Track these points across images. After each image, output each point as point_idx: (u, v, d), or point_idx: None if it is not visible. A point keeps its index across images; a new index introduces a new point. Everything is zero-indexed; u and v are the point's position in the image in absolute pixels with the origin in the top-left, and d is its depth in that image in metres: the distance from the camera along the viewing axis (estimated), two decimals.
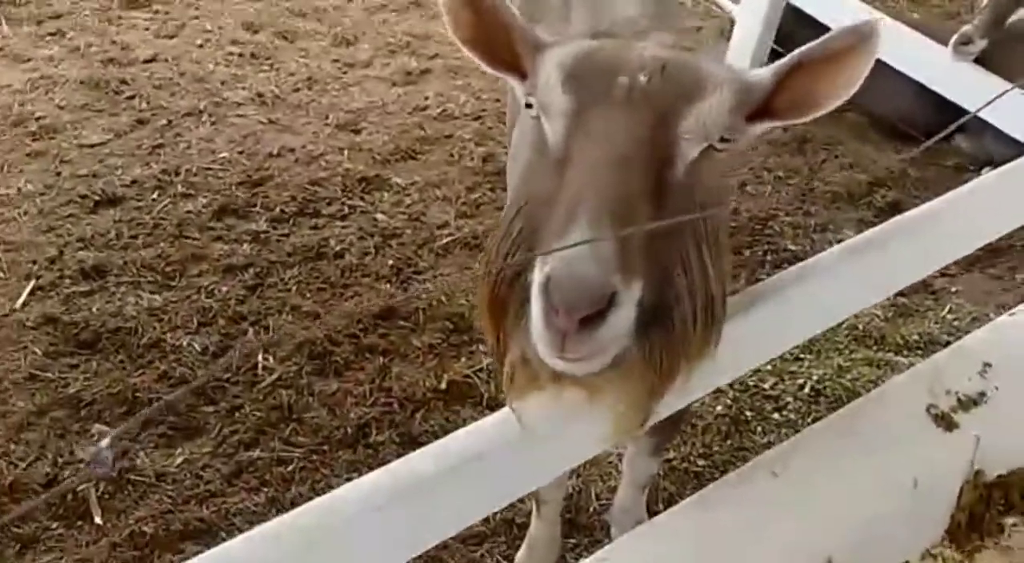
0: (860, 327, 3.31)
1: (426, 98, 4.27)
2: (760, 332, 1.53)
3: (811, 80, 1.33)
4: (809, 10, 4.10)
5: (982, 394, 1.94)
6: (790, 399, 3.05)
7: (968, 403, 1.92)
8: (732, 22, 4.56)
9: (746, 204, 3.84)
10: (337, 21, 4.81)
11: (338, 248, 3.47)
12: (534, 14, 2.57)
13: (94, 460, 0.62)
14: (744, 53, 4.37)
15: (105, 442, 0.64)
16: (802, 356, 3.20)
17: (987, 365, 2.00)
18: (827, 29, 3.89)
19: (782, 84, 1.35)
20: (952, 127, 1.65)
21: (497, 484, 1.28)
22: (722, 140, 1.29)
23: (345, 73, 4.43)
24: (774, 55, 4.43)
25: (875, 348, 3.24)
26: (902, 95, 3.99)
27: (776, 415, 3.01)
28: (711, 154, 1.30)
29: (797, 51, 1.34)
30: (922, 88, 3.86)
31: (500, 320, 1.31)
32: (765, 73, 1.35)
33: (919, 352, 3.21)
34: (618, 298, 1.12)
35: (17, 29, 4.56)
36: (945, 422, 1.88)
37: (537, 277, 1.12)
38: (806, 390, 3.07)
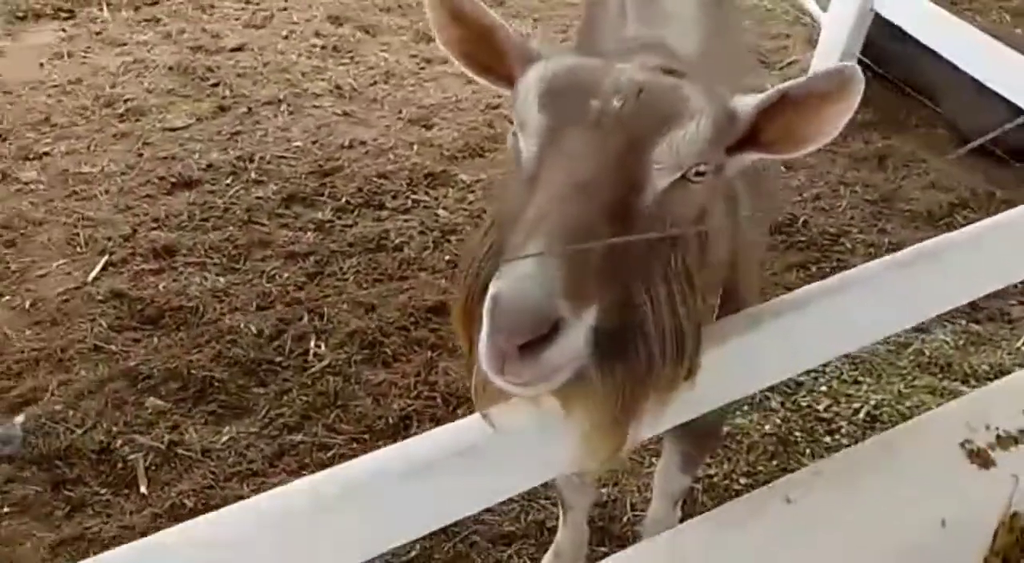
0: (927, 353, 3.18)
1: (499, 96, 4.27)
2: (773, 350, 1.48)
3: (796, 117, 1.29)
4: (898, 21, 3.95)
5: (1023, 432, 1.85)
6: (844, 423, 2.95)
7: (1008, 441, 1.83)
8: (820, 30, 4.43)
9: (817, 218, 3.73)
10: (420, 16, 4.85)
11: (398, 241, 3.52)
12: (594, 23, 2.56)
13: (2, 440, 0.64)
14: (828, 63, 4.24)
15: (19, 419, 0.66)
16: (861, 379, 3.09)
17: None
18: (915, 41, 3.75)
19: (768, 117, 1.31)
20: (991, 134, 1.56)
21: (453, 494, 1.27)
22: (697, 172, 1.26)
23: (423, 68, 4.48)
24: (860, 65, 4.29)
25: (940, 376, 3.10)
26: (993, 113, 3.80)
27: (827, 438, 2.91)
28: (686, 185, 1.26)
29: (781, 86, 1.30)
30: (1014, 107, 3.68)
31: (471, 332, 1.30)
32: (748, 104, 1.31)
33: (987, 383, 3.07)
34: (563, 325, 1.10)
35: (116, 14, 4.75)
36: (980, 459, 1.80)
37: (489, 294, 1.11)
38: (861, 415, 2.96)
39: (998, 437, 1.83)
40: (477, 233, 1.36)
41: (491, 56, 1.38)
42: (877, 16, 4.08)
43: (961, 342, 3.23)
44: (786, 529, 1.66)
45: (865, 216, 3.76)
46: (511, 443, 1.26)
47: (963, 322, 3.29)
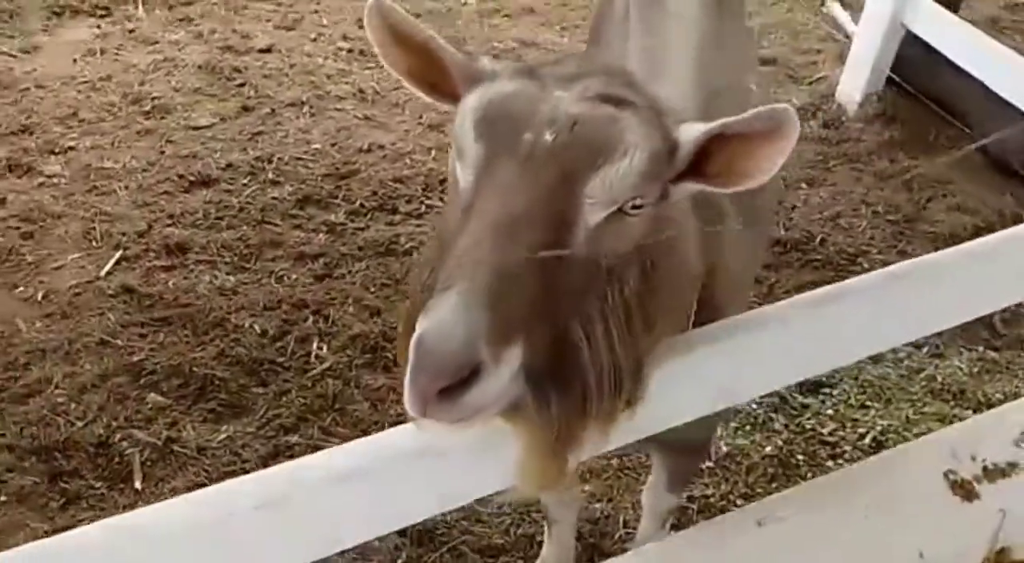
0: (939, 379, 3.09)
1: None
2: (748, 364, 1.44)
3: (737, 152, 1.26)
4: (928, 38, 3.87)
5: (1013, 465, 1.78)
6: (848, 448, 2.88)
7: (995, 473, 1.77)
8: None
9: (836, 237, 3.65)
10: (449, 23, 4.87)
11: (408, 246, 3.51)
12: (601, 27, 2.53)
13: None
14: (857, 80, 4.18)
15: None
16: (869, 404, 3.02)
17: None
18: (946, 59, 3.66)
19: (711, 149, 1.28)
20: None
21: (383, 502, 1.26)
22: (634, 206, 1.23)
23: None
24: (890, 83, 4.21)
25: (952, 403, 3.02)
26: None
27: (830, 463, 2.85)
28: (622, 218, 1.23)
29: (720, 121, 1.27)
30: None
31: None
32: (690, 136, 1.28)
33: None
34: (484, 369, 1.08)
35: (151, 13, 4.82)
36: (964, 491, 1.74)
37: (415, 334, 1.10)
38: (867, 440, 2.89)
39: (985, 469, 1.77)
40: (423, 258, 1.35)
41: (437, 76, 1.35)
42: (908, 33, 3.99)
43: (976, 369, 3.14)
44: (752, 554, 1.61)
45: (886, 237, 3.67)
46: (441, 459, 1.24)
47: (980, 348, 3.20)
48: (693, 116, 1.95)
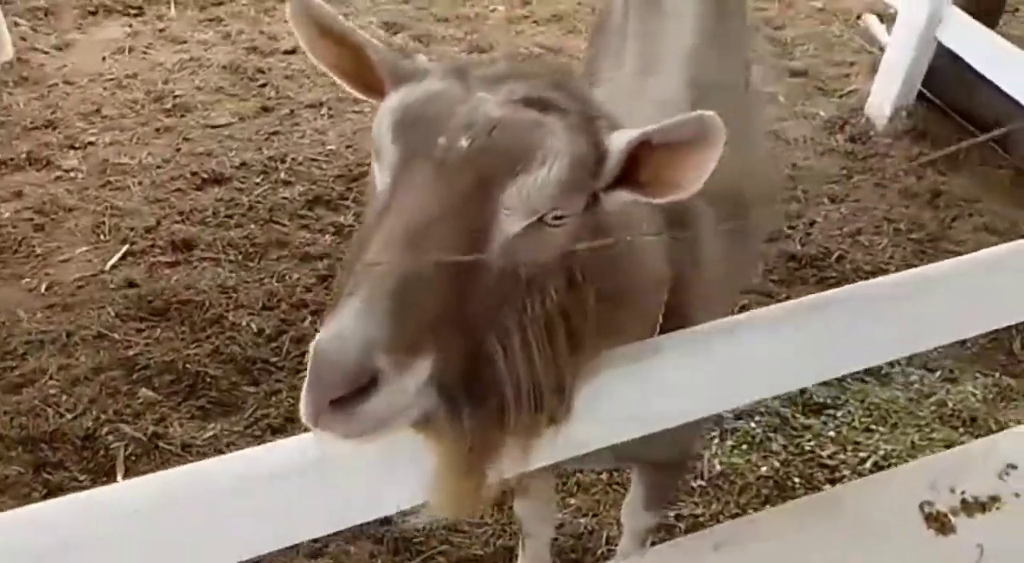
0: (950, 404, 2.96)
1: None
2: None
3: (666, 160, 1.18)
4: (960, 51, 3.73)
5: (995, 499, 1.67)
6: (847, 472, 2.77)
7: (974, 507, 1.66)
8: None
9: (854, 254, 3.53)
10: (476, 28, 4.84)
11: None
12: (603, 26, 2.47)
13: None
14: (887, 94, 4.05)
15: None
16: (874, 427, 2.90)
17: (1011, 467, 1.72)
18: (978, 74, 3.52)
19: (640, 158, 1.20)
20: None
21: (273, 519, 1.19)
22: (556, 217, 1.15)
23: None
24: (921, 98, 4.08)
25: (961, 430, 2.88)
26: None
27: (827, 486, 2.73)
28: (542, 229, 1.15)
29: (644, 129, 1.19)
30: None
31: None
32: (617, 144, 1.20)
33: None
34: (383, 380, 1.03)
35: (182, 12, 4.88)
36: (938, 523, 1.63)
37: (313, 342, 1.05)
38: (867, 465, 2.77)
39: (963, 502, 1.66)
40: (342, 262, 1.29)
41: (367, 73, 1.31)
42: (941, 46, 3.86)
43: (991, 395, 2.99)
44: None
45: (906, 255, 3.54)
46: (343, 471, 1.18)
47: (996, 374, 3.06)
48: (686, 104, 1.89)
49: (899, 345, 1.47)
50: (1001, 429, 2.87)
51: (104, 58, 4.54)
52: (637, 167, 1.21)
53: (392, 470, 1.20)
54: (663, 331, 1.46)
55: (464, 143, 1.14)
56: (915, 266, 3.46)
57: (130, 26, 4.77)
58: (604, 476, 2.76)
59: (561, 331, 1.19)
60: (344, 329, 1.03)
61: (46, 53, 4.57)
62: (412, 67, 1.28)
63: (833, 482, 2.74)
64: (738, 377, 1.33)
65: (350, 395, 1.02)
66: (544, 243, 1.16)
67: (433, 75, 1.25)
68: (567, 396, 1.22)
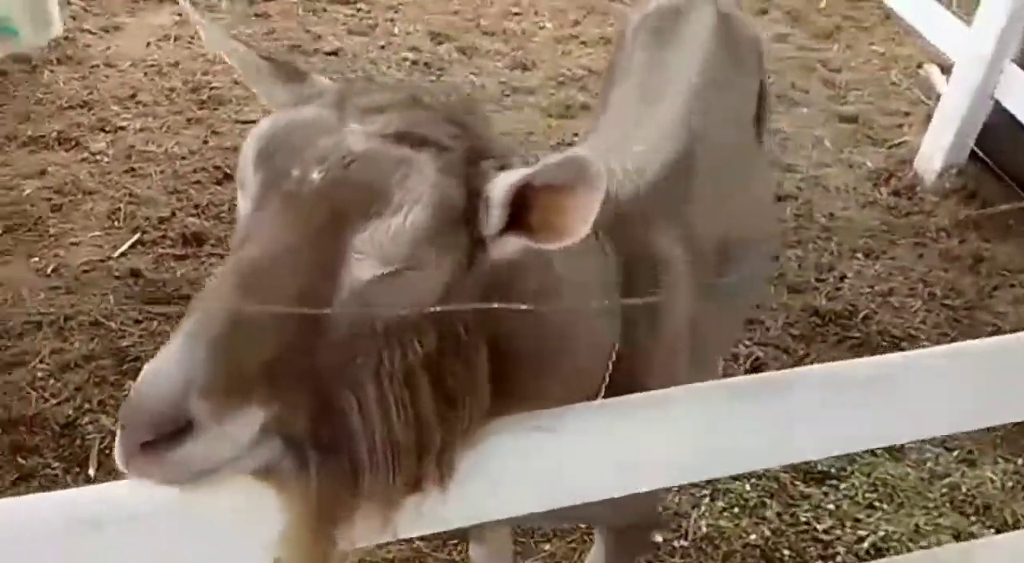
0: (964, 488, 2.77)
1: (574, 135, 4.11)
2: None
3: (551, 204, 1.07)
4: (1019, 114, 3.54)
5: None
6: (842, 550, 2.60)
7: None
8: None
9: (883, 315, 3.35)
10: (521, 45, 4.76)
11: None
12: (610, 75, 2.37)
13: None
14: (938, 149, 3.87)
15: None
16: (877, 504, 2.72)
17: None
18: None
19: (529, 201, 1.09)
20: None
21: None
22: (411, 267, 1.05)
23: (507, 96, 4.37)
24: (973, 157, 3.89)
25: (973, 518, 2.70)
26: None
27: None
28: (404, 276, 1.05)
29: (524, 171, 1.08)
30: None
31: None
32: (500, 187, 1.09)
33: None
34: (198, 427, 0.95)
35: (233, 7, 4.89)
36: None
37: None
38: (865, 544, 2.60)
39: None
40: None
41: None
42: (998, 105, 3.67)
43: (1011, 483, 2.80)
44: None
45: (939, 322, 3.35)
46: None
47: (1019, 461, 2.86)
48: (675, 155, 1.78)
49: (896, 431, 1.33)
50: (1016, 521, 2.68)
51: (149, 44, 4.56)
52: (528, 211, 1.10)
53: (243, 525, 1.10)
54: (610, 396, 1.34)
55: (316, 176, 1.05)
56: (947, 335, 3.31)
57: (179, 14, 4.78)
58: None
59: (427, 389, 1.08)
60: (160, 369, 0.97)
61: (93, 34, 4.61)
62: (307, 90, 1.22)
63: (825, 559, 2.58)
64: (634, 463, 1.20)
65: (162, 439, 0.95)
66: (406, 292, 1.06)
67: (319, 101, 1.16)
68: (442, 462, 1.11)
